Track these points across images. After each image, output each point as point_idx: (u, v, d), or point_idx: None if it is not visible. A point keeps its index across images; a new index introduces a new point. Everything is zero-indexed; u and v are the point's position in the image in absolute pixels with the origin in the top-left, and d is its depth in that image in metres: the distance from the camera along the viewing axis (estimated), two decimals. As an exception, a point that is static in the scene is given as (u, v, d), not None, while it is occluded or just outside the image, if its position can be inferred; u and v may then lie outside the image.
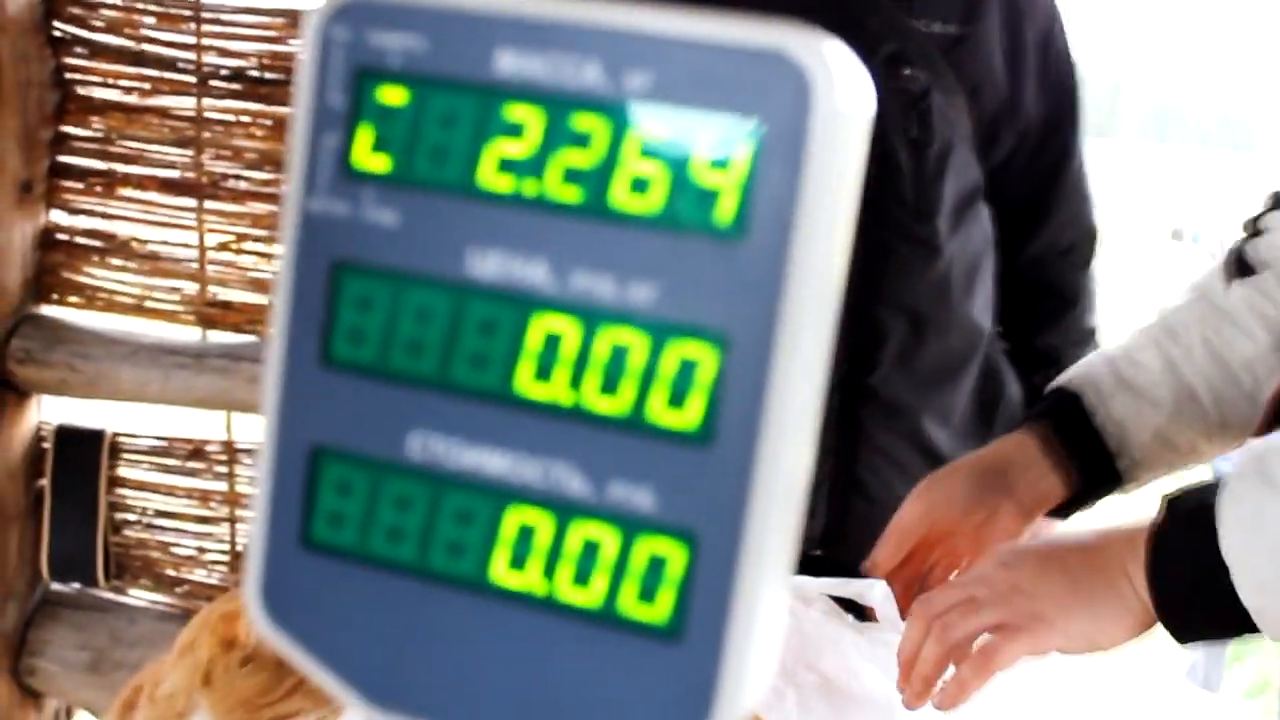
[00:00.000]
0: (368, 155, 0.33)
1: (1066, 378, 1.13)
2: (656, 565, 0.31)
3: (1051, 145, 1.44)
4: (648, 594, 0.32)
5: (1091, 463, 1.10)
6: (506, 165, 0.32)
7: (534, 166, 0.32)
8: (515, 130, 0.32)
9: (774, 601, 0.32)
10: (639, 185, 0.32)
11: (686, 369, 0.31)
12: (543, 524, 0.32)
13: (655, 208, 0.31)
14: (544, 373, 0.32)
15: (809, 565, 1.50)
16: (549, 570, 0.32)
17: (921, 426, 1.42)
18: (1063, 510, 1.13)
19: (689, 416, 0.31)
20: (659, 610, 0.31)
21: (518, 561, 0.32)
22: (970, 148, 1.37)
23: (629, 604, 0.32)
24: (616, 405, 0.32)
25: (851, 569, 1.52)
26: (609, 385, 0.32)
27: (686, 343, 0.31)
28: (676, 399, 0.31)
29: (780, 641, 0.33)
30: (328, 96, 0.34)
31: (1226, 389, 1.08)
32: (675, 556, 0.31)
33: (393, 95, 0.33)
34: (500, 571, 0.32)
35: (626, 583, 0.32)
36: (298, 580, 0.34)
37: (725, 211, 0.31)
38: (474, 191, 0.32)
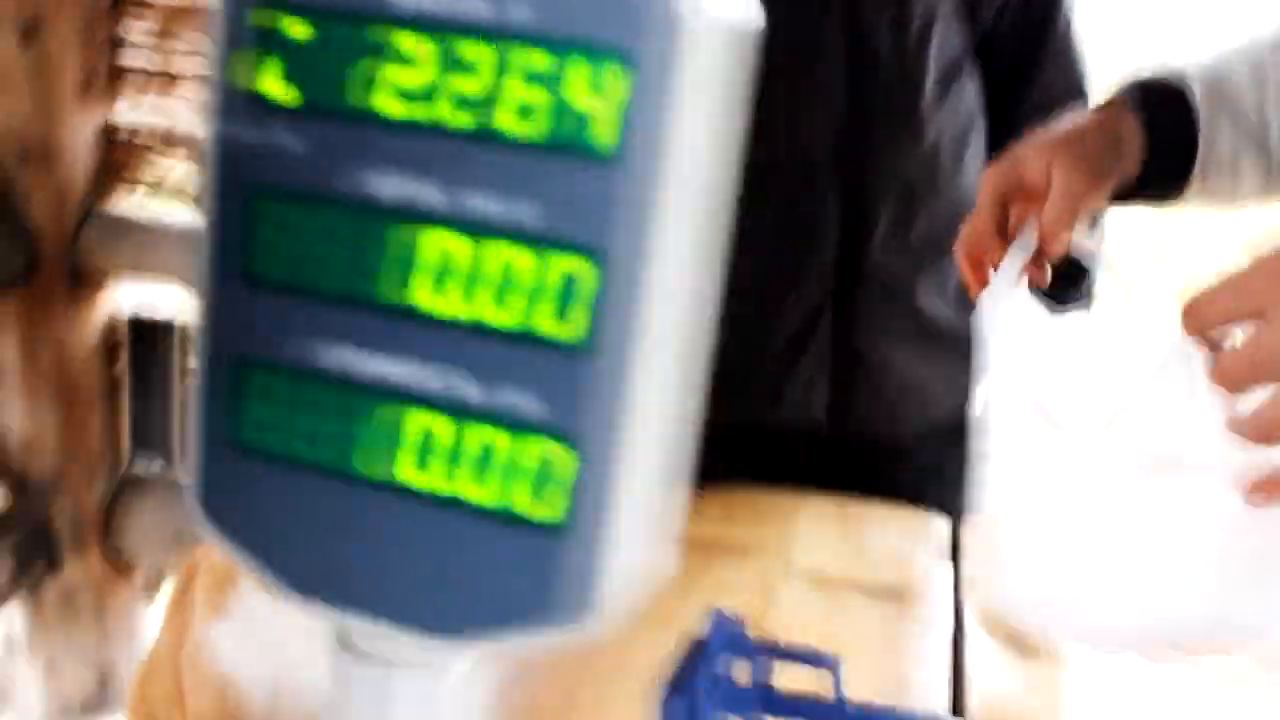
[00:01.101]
0: (275, 86, 0.35)
1: (1163, 74, 1.05)
2: (545, 466, 0.34)
3: (1037, 1, 1.41)
4: (538, 493, 0.34)
5: (1169, 167, 1.04)
6: (401, 93, 0.34)
7: (427, 94, 0.34)
8: (408, 59, 0.34)
9: (654, 501, 0.35)
10: (523, 110, 0.33)
11: (569, 283, 0.33)
12: (443, 428, 0.35)
13: (538, 131, 0.33)
14: (439, 287, 0.34)
15: (814, 442, 1.53)
16: (450, 470, 0.35)
17: (917, 299, 1.44)
18: None
19: (572, 328, 0.34)
20: (549, 508, 0.34)
21: (422, 462, 0.35)
22: (954, 16, 1.36)
23: (522, 501, 0.34)
24: (506, 317, 0.34)
25: (856, 443, 1.54)
26: (498, 298, 0.34)
27: (568, 258, 0.33)
28: (561, 311, 0.34)
29: (672, 537, 0.36)
30: (237, 30, 0.36)
31: None
32: (562, 458, 0.34)
33: (296, 28, 0.35)
34: (407, 471, 0.35)
35: (519, 482, 0.34)
36: (230, 482, 0.37)
37: (603, 134, 0.33)
38: (373, 118, 0.35)
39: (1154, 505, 0.89)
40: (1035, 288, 1.00)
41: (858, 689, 1.19)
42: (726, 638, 0.68)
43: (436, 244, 0.34)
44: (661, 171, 0.33)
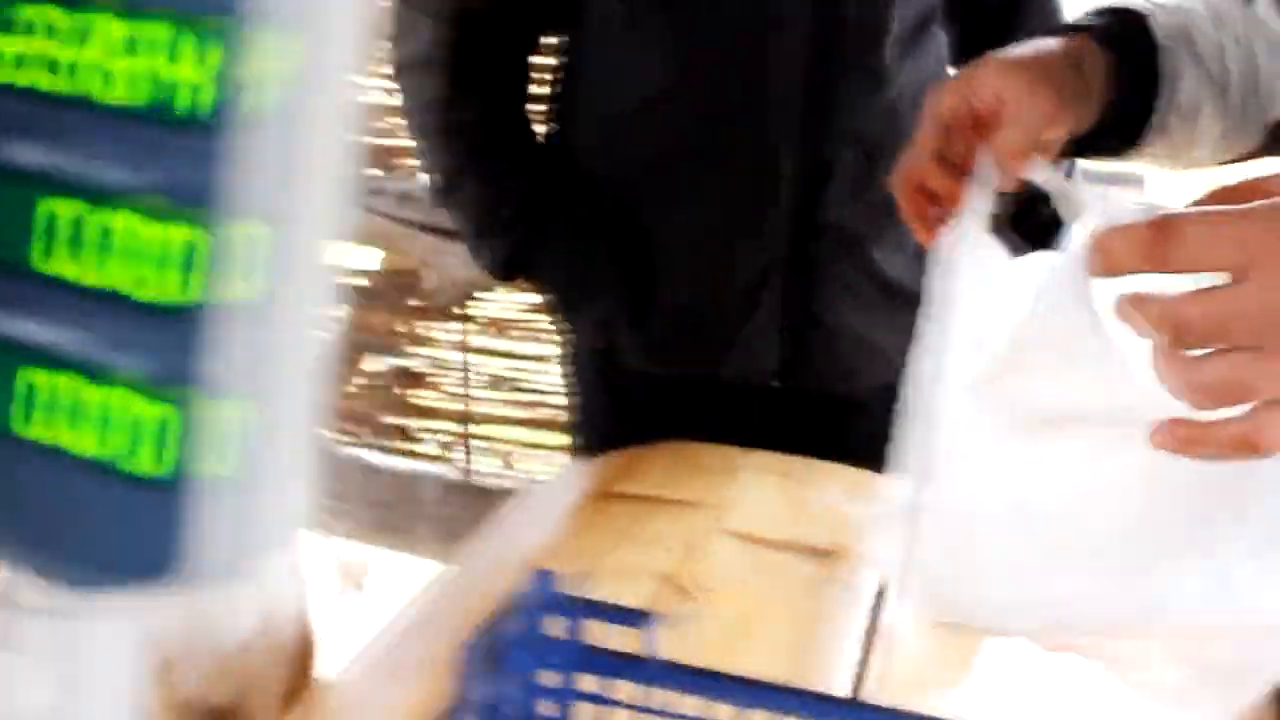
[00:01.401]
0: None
1: (1128, 8, 0.98)
2: (157, 424, 0.35)
3: None
4: (151, 449, 0.35)
5: (1132, 108, 0.97)
6: (20, 60, 0.35)
7: (42, 62, 0.35)
8: (28, 28, 0.35)
9: (273, 460, 0.36)
10: (125, 78, 0.34)
11: (178, 248, 0.34)
12: (56, 384, 0.36)
13: (140, 99, 0.34)
14: (53, 250, 0.35)
15: (767, 397, 1.52)
16: (63, 424, 0.36)
17: (875, 256, 1.42)
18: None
19: (182, 291, 0.34)
20: (161, 464, 0.35)
21: (36, 416, 0.36)
22: None
23: (134, 457, 0.35)
24: (118, 280, 0.35)
25: (810, 400, 1.53)
26: (111, 261, 0.35)
27: (178, 225, 0.34)
28: (171, 276, 0.34)
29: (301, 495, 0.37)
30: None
31: (1249, 96, 0.99)
32: (174, 418, 0.35)
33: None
34: (29, 425, 0.36)
35: (132, 438, 0.35)
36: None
37: (201, 101, 0.34)
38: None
39: (1037, 471, 0.82)
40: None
41: (766, 647, 1.20)
42: (544, 595, 0.69)
43: (49, 209, 0.35)
44: (259, 137, 0.33)
